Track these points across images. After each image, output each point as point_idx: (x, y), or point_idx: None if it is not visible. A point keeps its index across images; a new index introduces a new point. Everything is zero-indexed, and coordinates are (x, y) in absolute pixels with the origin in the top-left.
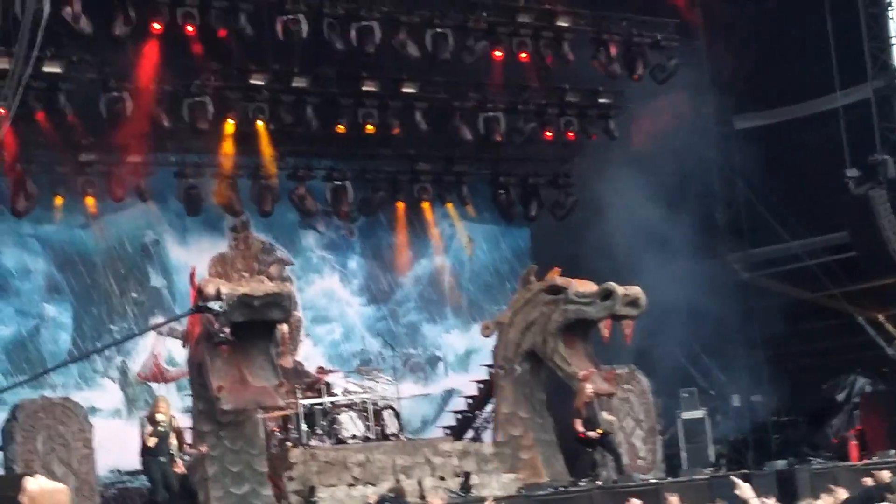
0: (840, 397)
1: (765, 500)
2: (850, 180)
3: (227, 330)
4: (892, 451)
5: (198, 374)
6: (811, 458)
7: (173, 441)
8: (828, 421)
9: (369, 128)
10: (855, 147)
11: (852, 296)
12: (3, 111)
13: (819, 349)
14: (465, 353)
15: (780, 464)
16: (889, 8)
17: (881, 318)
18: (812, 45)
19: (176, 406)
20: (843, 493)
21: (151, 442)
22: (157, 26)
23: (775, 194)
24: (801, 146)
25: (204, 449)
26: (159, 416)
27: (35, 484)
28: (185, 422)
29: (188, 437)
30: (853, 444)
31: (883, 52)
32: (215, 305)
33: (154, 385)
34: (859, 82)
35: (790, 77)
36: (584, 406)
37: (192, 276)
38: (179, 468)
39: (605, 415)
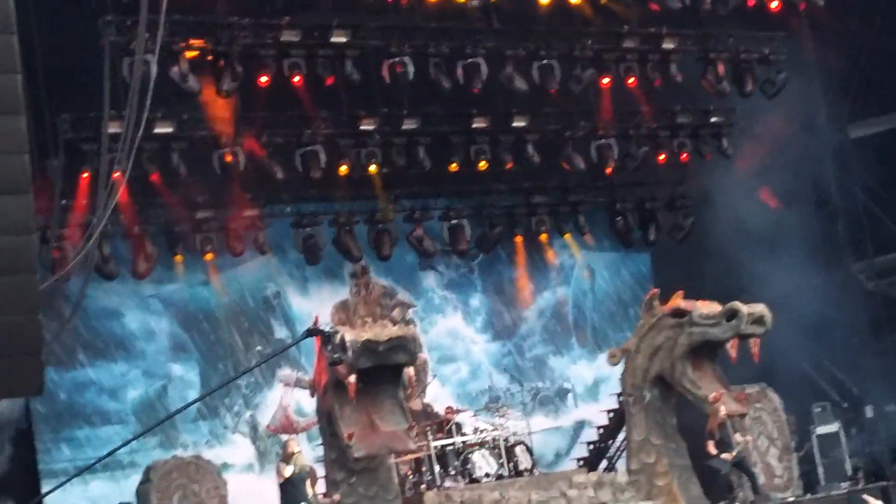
0: None
1: None
2: None
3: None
4: None
5: (328, 423)
6: None
7: (310, 489)
8: None
9: (482, 164)
10: None
11: None
12: (118, 175)
13: None
14: (594, 382)
15: None
16: None
17: None
18: None
19: (308, 456)
20: None
21: (287, 472)
22: (263, 79)
23: (894, 200)
24: None
25: (336, 497)
26: (293, 450)
27: None
28: (318, 471)
29: (321, 487)
30: None
31: None
32: (326, 327)
33: (284, 437)
34: None
35: None
36: (717, 428)
37: (314, 324)
38: None
39: (738, 436)
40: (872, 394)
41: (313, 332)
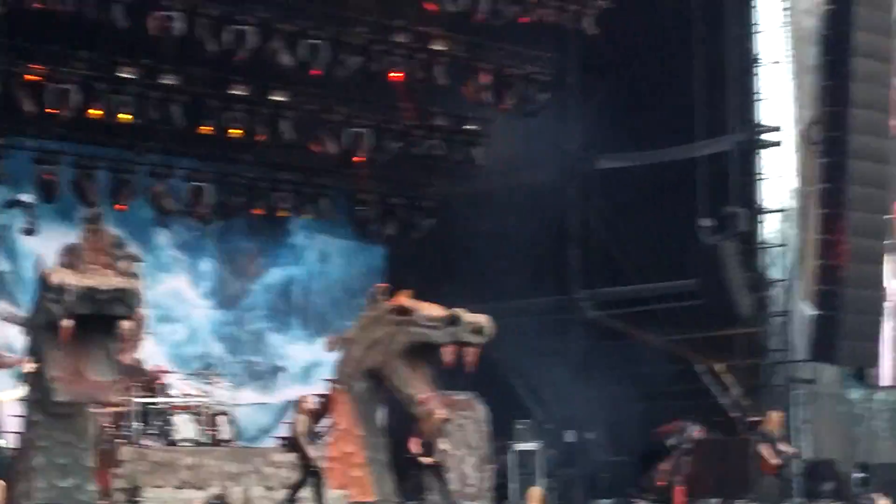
0: (671, 442)
1: None
2: (702, 230)
3: None
4: (714, 501)
5: (35, 363)
6: (636, 500)
7: None
8: (657, 464)
9: (234, 132)
10: (711, 197)
11: (694, 343)
12: None
13: (656, 393)
14: (308, 365)
15: (605, 503)
16: (757, 63)
17: (719, 367)
18: (680, 92)
19: (12, 394)
20: None
21: None
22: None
23: (630, 236)
24: (659, 191)
25: None
26: None
27: None
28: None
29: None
30: (678, 490)
31: (746, 105)
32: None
33: None
34: (722, 133)
35: (655, 122)
36: (427, 429)
37: (38, 264)
38: None
39: (442, 446)
40: (575, 419)
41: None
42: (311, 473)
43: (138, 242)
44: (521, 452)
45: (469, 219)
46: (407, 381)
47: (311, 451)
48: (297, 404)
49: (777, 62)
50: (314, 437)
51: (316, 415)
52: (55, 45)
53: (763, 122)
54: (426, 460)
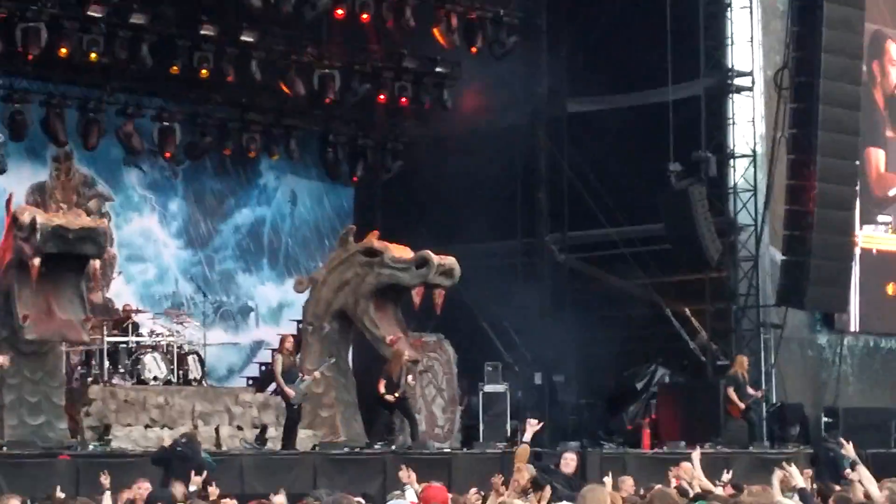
0: (639, 385)
1: None
2: (671, 174)
3: None
4: (683, 443)
5: (4, 302)
6: (603, 443)
7: None
8: (625, 407)
9: (203, 72)
10: (681, 142)
11: (662, 287)
12: None
13: (624, 336)
14: (278, 306)
15: (572, 445)
16: (728, 8)
17: (687, 311)
18: (651, 36)
19: None
20: (630, 482)
21: None
22: None
23: (599, 180)
24: (628, 135)
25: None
26: None
27: None
28: None
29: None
30: (646, 433)
31: (717, 50)
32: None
33: None
34: (692, 78)
35: (626, 66)
36: (395, 370)
37: (8, 202)
38: None
39: (409, 380)
40: (544, 362)
41: None
42: (289, 412)
43: (108, 182)
44: (490, 394)
45: (438, 161)
46: (376, 322)
47: (289, 390)
48: (280, 343)
49: (747, 7)
50: (292, 376)
51: (294, 355)
52: None
53: (733, 67)
54: (394, 400)
